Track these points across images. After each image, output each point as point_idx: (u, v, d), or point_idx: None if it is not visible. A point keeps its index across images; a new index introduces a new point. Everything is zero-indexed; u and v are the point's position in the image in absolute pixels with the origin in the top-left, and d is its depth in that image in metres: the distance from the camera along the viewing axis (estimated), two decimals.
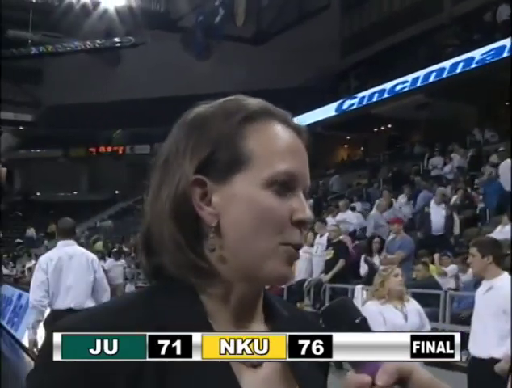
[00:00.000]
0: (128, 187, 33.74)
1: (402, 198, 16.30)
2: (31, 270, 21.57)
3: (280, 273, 1.05)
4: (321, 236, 12.60)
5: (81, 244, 28.31)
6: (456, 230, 13.15)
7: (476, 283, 7.67)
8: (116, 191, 37.20)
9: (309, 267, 12.52)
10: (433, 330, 5.43)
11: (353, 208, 16.66)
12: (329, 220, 14.62)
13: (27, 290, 15.99)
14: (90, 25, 34.33)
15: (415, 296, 7.00)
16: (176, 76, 33.13)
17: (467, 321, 8.63)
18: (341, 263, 11.66)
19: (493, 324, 5.29)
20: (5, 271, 22.35)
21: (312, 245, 12.52)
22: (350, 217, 15.46)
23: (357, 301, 9.91)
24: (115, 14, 34.28)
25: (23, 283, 20.34)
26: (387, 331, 5.49)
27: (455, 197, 14.85)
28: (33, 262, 23.77)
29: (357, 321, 0.95)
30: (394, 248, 10.90)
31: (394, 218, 12.52)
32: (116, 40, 35.88)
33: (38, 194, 41.30)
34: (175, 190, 1.04)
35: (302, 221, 1.05)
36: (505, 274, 5.52)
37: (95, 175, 40.98)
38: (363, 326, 0.95)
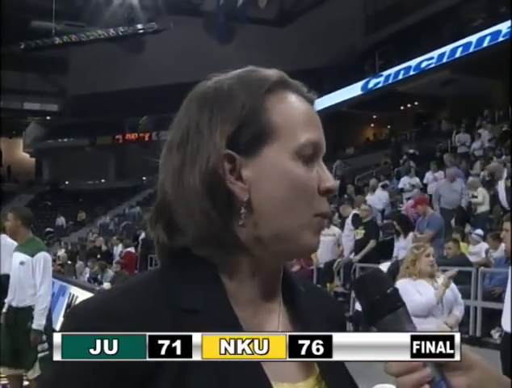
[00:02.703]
0: (156, 174, 33.79)
1: (429, 175, 16.17)
2: (61, 258, 21.91)
3: (312, 244, 1.05)
4: (346, 217, 12.63)
5: (109, 231, 28.54)
6: (486, 207, 13.01)
7: (508, 259, 7.59)
8: (144, 178, 37.39)
9: (335, 247, 12.55)
10: (465, 307, 5.40)
11: (384, 186, 16.63)
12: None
13: (59, 278, 16.22)
14: (112, 13, 34.47)
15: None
16: (199, 60, 33.08)
17: (499, 298, 8.58)
18: (372, 243, 11.63)
19: None
20: None
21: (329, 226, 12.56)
22: (380, 196, 15.45)
23: None
24: (137, 1, 34.37)
25: (54, 271, 20.64)
26: (421, 303, 5.51)
27: (482, 173, 14.70)
28: (63, 250, 24.14)
29: (388, 291, 0.97)
30: (423, 227, 10.82)
31: (418, 199, 12.41)
32: (139, 26, 36.01)
33: (66, 183, 41.74)
34: (206, 166, 1.01)
35: (330, 190, 1.05)
36: None
37: (122, 162, 41.31)
38: (394, 297, 0.97)
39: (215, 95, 1.05)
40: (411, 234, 10.70)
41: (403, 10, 27.93)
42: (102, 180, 41.13)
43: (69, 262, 20.02)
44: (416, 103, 28.74)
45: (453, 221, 12.49)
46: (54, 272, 19.98)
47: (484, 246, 10.65)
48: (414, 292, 5.43)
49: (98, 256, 19.31)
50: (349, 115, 28.07)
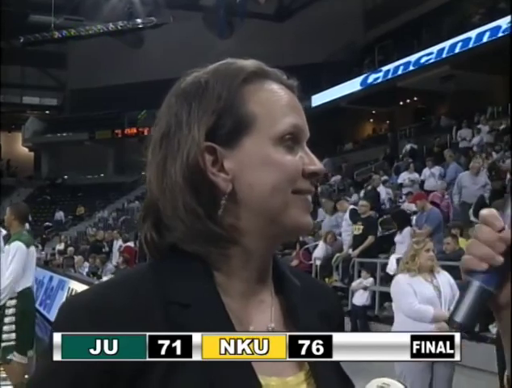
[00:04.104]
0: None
1: (426, 171, 16.18)
2: (61, 253, 21.93)
3: (301, 222, 1.06)
4: (344, 212, 12.69)
5: (109, 225, 28.54)
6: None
7: None
8: (143, 173, 37.29)
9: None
10: None
11: (384, 182, 16.67)
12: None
13: (58, 272, 16.24)
14: (111, 7, 34.38)
15: (445, 269, 6.96)
16: (199, 55, 32.79)
17: None
18: (370, 239, 11.66)
19: None
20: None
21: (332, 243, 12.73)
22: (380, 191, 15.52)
23: (391, 271, 9.92)
24: None
25: (53, 265, 20.67)
26: (419, 303, 5.53)
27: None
28: (63, 244, 24.14)
29: None
30: (422, 222, 10.84)
31: (416, 195, 12.42)
32: (138, 21, 35.91)
33: (65, 177, 41.66)
34: (186, 160, 1.03)
35: (315, 173, 1.07)
36: None
37: (121, 156, 41.19)
38: None
39: (193, 90, 1.07)
40: (407, 229, 10.73)
41: (402, 6, 27.84)
42: (102, 175, 41.03)
43: (67, 256, 20.04)
44: (415, 99, 28.67)
45: (471, 212, 12.28)
46: (54, 266, 20.05)
47: None
48: (411, 293, 5.45)
49: (104, 250, 19.35)
50: (348, 111, 28.00)
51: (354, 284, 11.42)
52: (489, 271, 0.94)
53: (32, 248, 6.72)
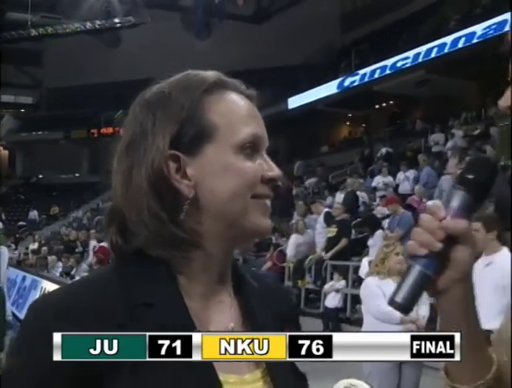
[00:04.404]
0: None
1: (400, 175, 16.27)
2: (34, 252, 21.71)
3: (260, 225, 1.11)
4: (319, 214, 12.77)
5: (83, 225, 28.25)
6: None
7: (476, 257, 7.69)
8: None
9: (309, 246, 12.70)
10: (431, 305, 5.46)
11: (359, 185, 16.74)
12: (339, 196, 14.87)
13: (31, 272, 16.08)
14: (89, 6, 34.16)
15: None
16: (177, 55, 32.97)
17: None
18: (343, 242, 11.74)
19: (491, 299, 5.29)
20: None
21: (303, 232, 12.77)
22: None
23: (363, 274, 9.98)
24: None
25: (26, 265, 20.46)
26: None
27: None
28: (36, 244, 23.92)
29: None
30: (394, 226, 10.92)
31: (388, 198, 12.51)
32: (116, 20, 35.72)
33: (40, 176, 41.29)
34: (151, 168, 1.07)
35: (273, 179, 1.12)
36: (505, 249, 5.52)
37: (97, 156, 40.91)
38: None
39: (157, 100, 1.12)
40: (378, 233, 10.80)
41: (380, 10, 28.00)
42: (76, 174, 40.73)
43: (40, 256, 19.86)
44: (391, 102, 28.83)
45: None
46: (26, 265, 19.85)
47: None
48: (380, 295, 5.49)
49: (77, 250, 19.22)
50: (324, 113, 28.08)
51: (326, 286, 11.47)
52: (429, 256, 1.01)
53: (4, 248, 6.65)
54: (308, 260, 12.36)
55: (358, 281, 10.51)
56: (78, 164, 41.06)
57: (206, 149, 1.08)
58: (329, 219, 12.27)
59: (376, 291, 5.53)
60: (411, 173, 15.88)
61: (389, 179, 16.53)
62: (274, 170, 1.12)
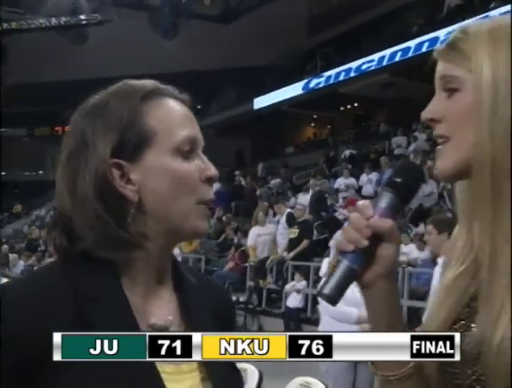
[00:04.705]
0: None
1: (364, 177, 16.41)
2: (2, 250, 21.44)
3: (199, 229, 1.18)
4: (281, 215, 12.82)
5: (46, 224, 28.00)
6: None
7: (435, 259, 7.81)
8: None
9: (272, 245, 12.69)
10: None
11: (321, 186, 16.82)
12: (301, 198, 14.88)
13: None
14: (55, 1, 33.79)
15: None
16: (143, 54, 32.81)
17: (424, 297, 8.82)
18: (305, 243, 11.82)
19: None
20: None
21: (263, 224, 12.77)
22: None
23: (323, 274, 10.03)
24: None
25: None
26: (346, 305, 5.62)
27: None
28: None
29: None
30: None
31: (348, 200, 12.64)
32: (82, 17, 35.38)
33: (2, 173, 40.72)
34: (95, 176, 1.12)
35: (211, 178, 1.19)
36: None
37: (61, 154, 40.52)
38: None
39: (96, 110, 1.17)
40: (338, 234, 10.85)
41: (345, 13, 28.17)
42: (40, 172, 40.29)
43: (1, 254, 19.63)
44: (356, 105, 29.02)
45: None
46: None
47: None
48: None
49: (40, 248, 19.04)
50: (290, 115, 28.16)
51: (287, 286, 11.53)
52: (356, 252, 1.07)
53: None
54: (270, 260, 12.42)
55: (319, 282, 10.61)
56: (42, 162, 40.58)
57: (147, 154, 1.14)
58: (291, 220, 12.34)
59: None
60: (374, 175, 16.03)
61: (351, 180, 16.66)
62: (211, 169, 1.18)
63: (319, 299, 5.84)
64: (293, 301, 11.27)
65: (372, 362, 1.18)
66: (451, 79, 1.18)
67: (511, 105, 1.07)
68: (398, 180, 1.12)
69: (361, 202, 1.13)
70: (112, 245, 1.12)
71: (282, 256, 12.18)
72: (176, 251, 11.62)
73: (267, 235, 12.74)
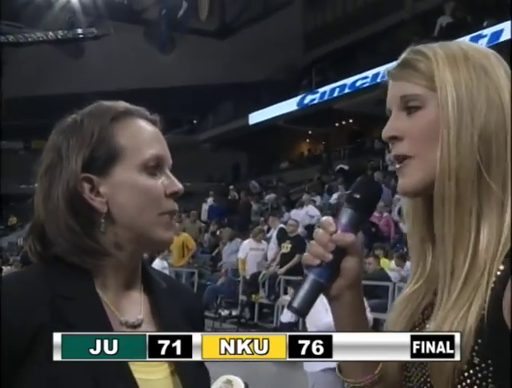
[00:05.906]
0: None
1: None
2: None
3: (164, 239, 1.27)
4: (274, 229, 12.88)
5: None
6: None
7: None
8: None
9: (263, 261, 12.72)
10: (382, 320, 5.56)
11: (313, 202, 16.87)
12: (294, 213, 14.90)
13: None
14: (53, 16, 33.87)
15: (365, 288, 7.15)
16: (139, 69, 32.87)
17: None
18: (297, 258, 11.81)
19: None
20: None
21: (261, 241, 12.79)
22: (311, 212, 15.67)
23: None
24: (78, 5, 33.86)
25: None
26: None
27: None
28: None
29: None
30: None
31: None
32: (79, 31, 35.45)
33: None
34: (67, 189, 1.23)
35: (175, 193, 1.28)
36: None
37: None
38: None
39: (71, 128, 1.28)
40: None
41: (340, 30, 28.31)
42: (36, 185, 40.15)
43: None
44: (350, 121, 29.02)
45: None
46: None
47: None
48: (323, 310, 5.59)
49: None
50: (285, 130, 28.17)
51: (280, 300, 11.55)
52: (322, 266, 1.14)
53: None
54: (262, 275, 12.45)
55: None
56: (38, 175, 40.48)
57: (115, 170, 1.24)
58: (282, 235, 12.38)
59: (318, 303, 5.60)
60: None
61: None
62: (176, 185, 1.28)
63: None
64: (286, 316, 11.27)
65: (340, 370, 1.25)
66: (412, 97, 1.19)
67: (471, 121, 1.13)
68: (357, 196, 1.19)
69: (324, 218, 1.20)
70: (81, 252, 1.22)
71: (274, 271, 12.21)
72: (164, 264, 11.66)
73: (260, 250, 12.78)
